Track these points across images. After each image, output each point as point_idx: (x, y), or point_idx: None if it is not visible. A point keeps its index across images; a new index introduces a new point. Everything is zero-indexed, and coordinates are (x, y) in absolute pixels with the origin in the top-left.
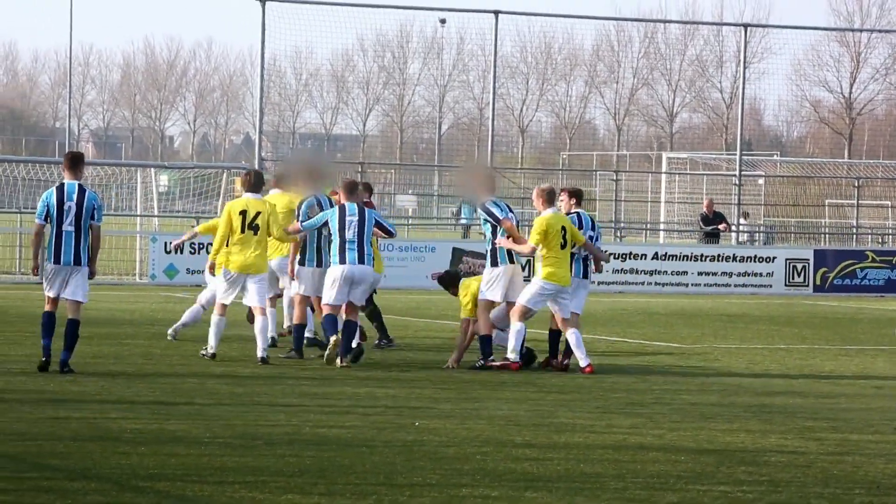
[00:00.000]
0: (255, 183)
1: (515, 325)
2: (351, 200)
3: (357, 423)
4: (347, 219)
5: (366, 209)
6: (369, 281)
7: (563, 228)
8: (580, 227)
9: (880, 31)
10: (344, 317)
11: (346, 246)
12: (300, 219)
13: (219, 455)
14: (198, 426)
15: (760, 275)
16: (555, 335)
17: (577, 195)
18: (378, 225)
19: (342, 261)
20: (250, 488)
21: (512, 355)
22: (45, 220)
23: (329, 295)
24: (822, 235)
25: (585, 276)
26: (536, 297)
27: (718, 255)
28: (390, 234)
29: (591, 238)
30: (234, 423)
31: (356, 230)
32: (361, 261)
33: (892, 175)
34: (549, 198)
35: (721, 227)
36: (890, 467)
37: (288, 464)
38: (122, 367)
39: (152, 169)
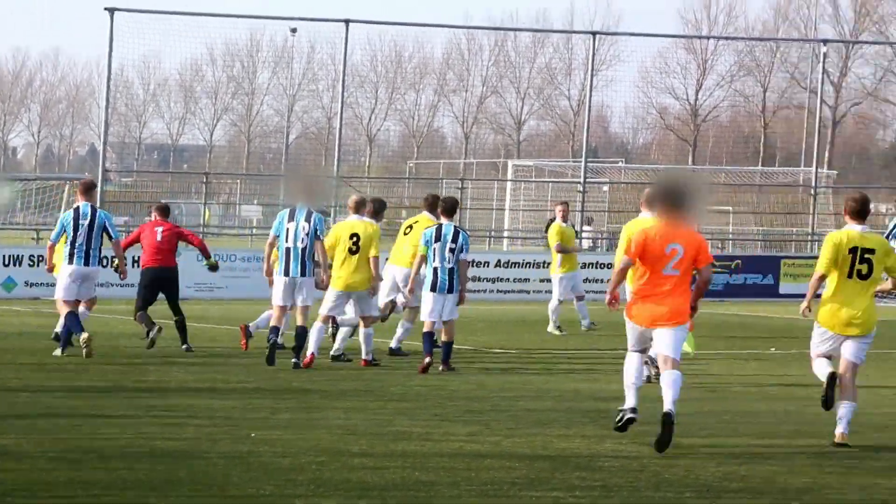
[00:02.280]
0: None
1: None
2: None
3: (192, 435)
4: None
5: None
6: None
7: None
8: (437, 240)
9: (727, 38)
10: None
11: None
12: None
13: (49, 469)
14: (29, 440)
15: (603, 281)
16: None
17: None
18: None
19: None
20: (81, 503)
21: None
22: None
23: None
24: None
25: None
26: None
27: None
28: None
29: (451, 250)
30: (65, 437)
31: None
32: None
33: (734, 181)
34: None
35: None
36: (721, 470)
37: (120, 477)
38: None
39: None
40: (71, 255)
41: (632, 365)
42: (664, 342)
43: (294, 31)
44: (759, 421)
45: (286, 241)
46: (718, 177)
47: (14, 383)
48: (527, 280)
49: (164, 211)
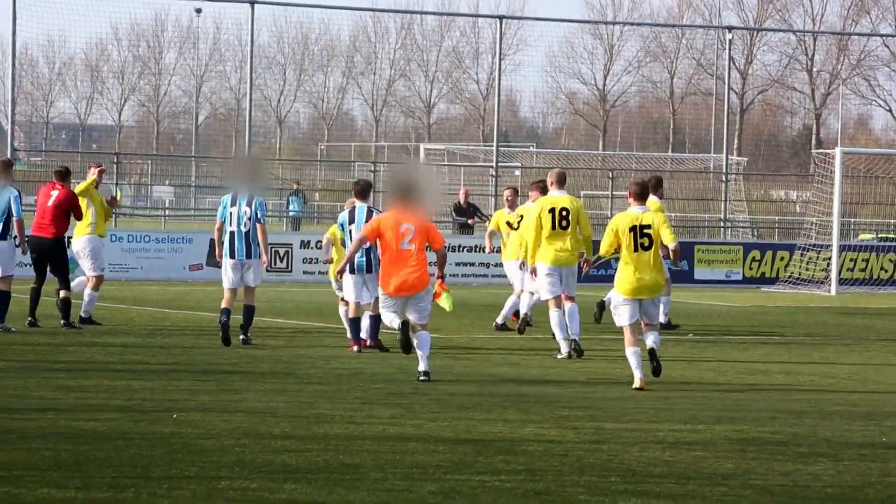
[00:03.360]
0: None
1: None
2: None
3: (113, 416)
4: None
5: None
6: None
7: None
8: (351, 222)
9: (632, 23)
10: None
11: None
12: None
13: None
14: None
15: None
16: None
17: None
18: None
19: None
20: (4, 483)
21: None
22: None
23: None
24: None
25: None
26: None
27: (475, 247)
28: None
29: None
30: None
31: None
32: None
33: (645, 167)
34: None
35: (470, 221)
36: (645, 455)
37: (43, 458)
38: None
39: None
40: None
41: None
42: (413, 308)
43: (199, 11)
44: (680, 407)
45: (230, 225)
46: (629, 162)
47: None
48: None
49: (63, 175)
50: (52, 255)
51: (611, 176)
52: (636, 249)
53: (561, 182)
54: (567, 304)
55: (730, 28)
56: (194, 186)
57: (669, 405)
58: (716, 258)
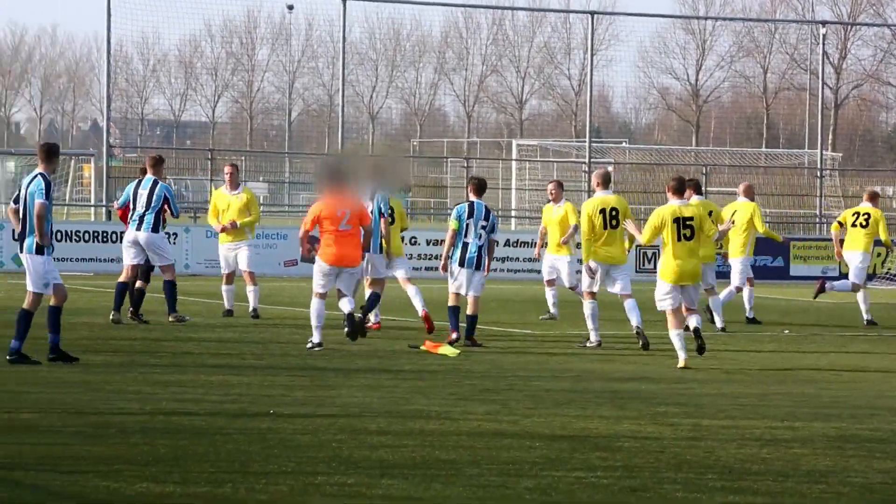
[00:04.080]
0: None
1: None
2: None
3: (211, 411)
4: None
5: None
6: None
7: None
8: (470, 216)
9: (724, 18)
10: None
11: None
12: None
13: (71, 444)
14: (50, 415)
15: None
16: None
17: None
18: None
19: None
20: (104, 477)
21: None
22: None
23: None
24: None
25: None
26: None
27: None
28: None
29: (483, 227)
30: (86, 412)
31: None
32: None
33: (739, 162)
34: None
35: None
36: (742, 452)
37: (142, 452)
38: None
39: None
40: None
41: (314, 306)
42: (343, 281)
43: (291, 7)
44: (777, 404)
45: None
46: (723, 158)
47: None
48: (536, 260)
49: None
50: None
51: (704, 172)
52: (679, 239)
53: (606, 182)
54: (627, 301)
55: (823, 23)
56: (288, 183)
57: (766, 402)
58: (811, 254)
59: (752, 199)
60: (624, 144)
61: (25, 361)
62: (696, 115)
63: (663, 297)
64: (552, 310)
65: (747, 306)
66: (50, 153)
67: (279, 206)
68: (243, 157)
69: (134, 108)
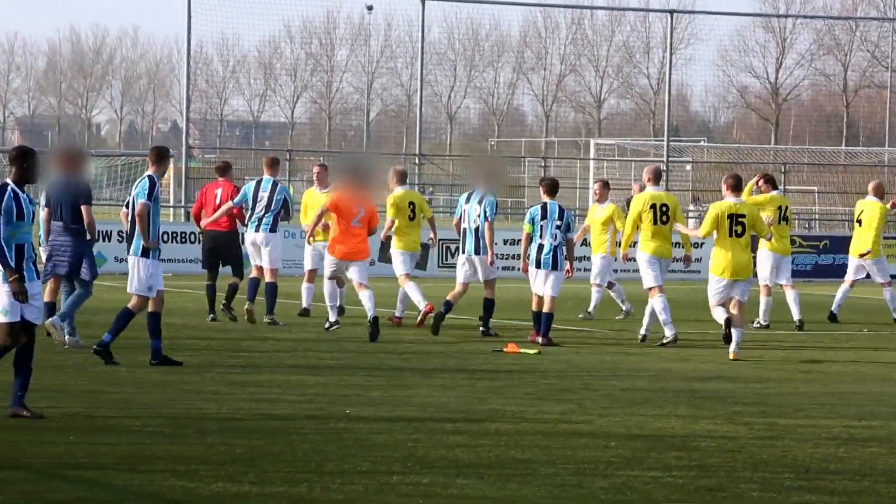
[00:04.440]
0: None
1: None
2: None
3: (287, 411)
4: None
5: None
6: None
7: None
8: (543, 218)
9: (805, 16)
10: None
11: None
12: None
13: (149, 443)
14: (128, 414)
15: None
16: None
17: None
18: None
19: None
20: (180, 477)
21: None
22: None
23: None
24: None
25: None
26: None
27: None
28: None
29: (557, 227)
30: (163, 412)
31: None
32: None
33: (818, 161)
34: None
35: None
36: (819, 451)
37: (218, 452)
38: (51, 356)
39: None
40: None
41: (326, 288)
42: (355, 272)
43: (370, 8)
44: (854, 402)
45: (464, 222)
46: (802, 156)
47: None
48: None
49: (224, 170)
50: (227, 248)
51: (783, 170)
52: (731, 235)
53: (657, 178)
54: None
55: None
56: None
57: (843, 401)
58: (890, 252)
59: (882, 198)
60: (702, 143)
61: (107, 360)
62: (775, 114)
63: (716, 293)
64: (623, 307)
65: (837, 304)
66: (161, 156)
67: None
68: (322, 158)
69: (213, 109)
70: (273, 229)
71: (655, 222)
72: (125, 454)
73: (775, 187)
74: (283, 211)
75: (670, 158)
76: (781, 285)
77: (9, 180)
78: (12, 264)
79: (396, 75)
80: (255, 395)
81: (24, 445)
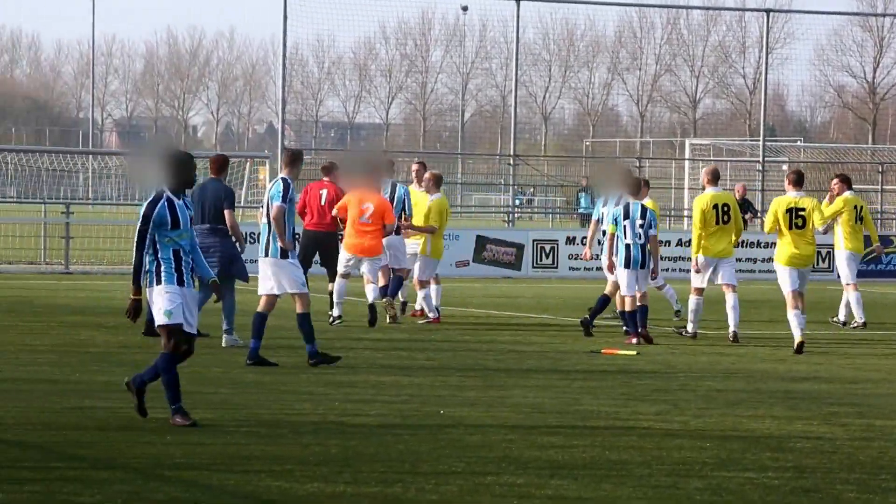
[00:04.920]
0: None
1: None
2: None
3: (382, 412)
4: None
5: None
6: None
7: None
8: (626, 217)
9: None
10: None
11: None
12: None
13: (244, 444)
14: (223, 415)
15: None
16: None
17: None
18: None
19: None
20: (276, 477)
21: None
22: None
23: None
24: None
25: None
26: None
27: (742, 242)
28: None
29: (641, 227)
30: (259, 412)
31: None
32: None
33: None
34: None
35: (747, 216)
36: None
37: (313, 452)
38: (148, 357)
39: None
40: None
41: (336, 284)
42: (367, 268)
43: (465, 9)
44: None
45: (603, 225)
46: None
47: (205, 359)
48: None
49: (329, 169)
50: (329, 248)
51: (881, 170)
52: (791, 227)
53: (716, 179)
54: (730, 296)
55: None
56: (460, 184)
57: None
58: None
59: None
60: (799, 143)
61: (329, 360)
62: (872, 113)
63: (783, 280)
64: (675, 306)
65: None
66: (294, 159)
67: (451, 207)
68: (416, 158)
69: (309, 111)
70: (398, 231)
71: (718, 222)
72: (221, 454)
73: (850, 187)
74: (404, 210)
75: (766, 158)
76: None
77: (164, 188)
78: (140, 284)
79: (491, 76)
80: (350, 396)
81: (121, 446)
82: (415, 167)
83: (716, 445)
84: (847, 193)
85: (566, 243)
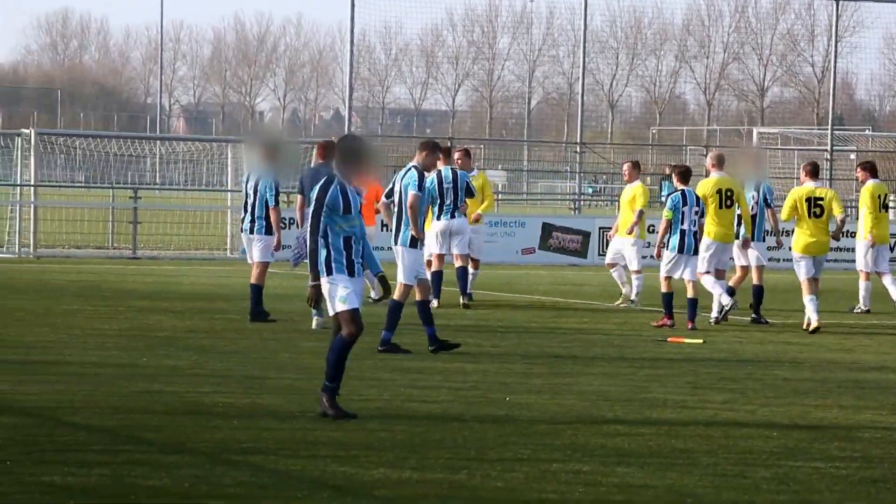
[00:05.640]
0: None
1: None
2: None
3: (448, 398)
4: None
5: None
6: None
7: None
8: (685, 204)
9: None
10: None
11: None
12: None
13: (311, 429)
14: (290, 400)
15: (853, 250)
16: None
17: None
18: None
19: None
20: (342, 462)
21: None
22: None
23: None
24: None
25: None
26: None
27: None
28: None
29: (696, 213)
30: None
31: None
32: None
33: None
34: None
35: None
36: None
37: (379, 438)
38: (215, 342)
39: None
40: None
41: None
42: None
43: None
44: None
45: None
46: None
47: (272, 344)
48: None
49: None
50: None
51: None
52: (809, 216)
53: (815, 173)
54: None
55: None
56: (526, 171)
57: None
58: None
59: None
60: (867, 132)
61: (396, 351)
62: None
63: (800, 268)
64: (623, 290)
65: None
66: (432, 148)
67: (517, 195)
68: (482, 146)
69: (375, 97)
70: (464, 214)
71: (721, 206)
72: (287, 439)
73: (874, 175)
74: (468, 195)
75: (834, 147)
76: (879, 273)
77: (336, 173)
78: (321, 269)
79: (558, 63)
80: (416, 382)
81: (188, 430)
82: (457, 155)
83: (783, 435)
84: (870, 182)
85: None
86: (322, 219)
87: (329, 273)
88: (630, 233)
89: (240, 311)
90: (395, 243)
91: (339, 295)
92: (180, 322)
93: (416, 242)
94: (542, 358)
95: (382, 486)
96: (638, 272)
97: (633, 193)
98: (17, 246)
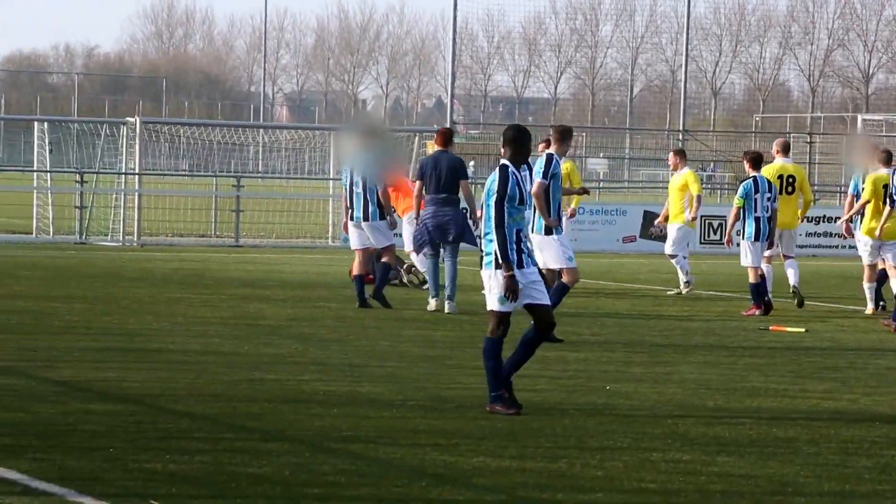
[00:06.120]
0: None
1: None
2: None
3: (547, 387)
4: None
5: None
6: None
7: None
8: (757, 191)
9: None
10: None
11: None
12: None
13: (411, 417)
14: (390, 388)
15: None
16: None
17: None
18: None
19: None
20: (442, 451)
21: None
22: None
23: None
24: None
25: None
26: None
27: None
28: None
29: (768, 199)
30: (426, 386)
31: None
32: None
33: None
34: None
35: None
36: None
37: (479, 427)
38: (316, 330)
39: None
40: None
41: None
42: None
43: None
44: None
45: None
46: None
47: (372, 332)
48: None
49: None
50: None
51: None
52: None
53: (888, 160)
54: (786, 262)
55: None
56: (628, 159)
57: None
58: None
59: None
60: None
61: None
62: None
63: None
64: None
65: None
66: (566, 134)
67: (619, 183)
68: (584, 133)
69: (477, 85)
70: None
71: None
72: (387, 427)
73: (888, 163)
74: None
75: None
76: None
77: (506, 161)
78: (513, 257)
79: (661, 51)
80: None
81: (289, 418)
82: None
83: (885, 424)
84: (882, 170)
85: None
86: (506, 209)
87: (498, 266)
88: (693, 219)
89: (341, 299)
90: (532, 231)
91: (500, 294)
92: (282, 310)
93: (551, 230)
94: (642, 346)
95: (481, 475)
96: (672, 256)
97: (683, 180)
98: (121, 234)
